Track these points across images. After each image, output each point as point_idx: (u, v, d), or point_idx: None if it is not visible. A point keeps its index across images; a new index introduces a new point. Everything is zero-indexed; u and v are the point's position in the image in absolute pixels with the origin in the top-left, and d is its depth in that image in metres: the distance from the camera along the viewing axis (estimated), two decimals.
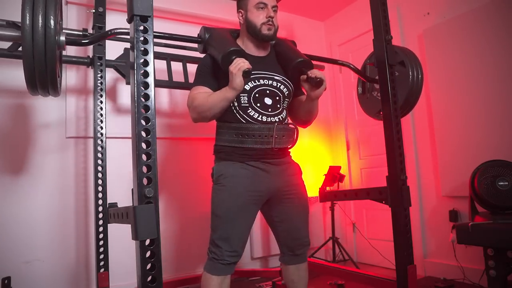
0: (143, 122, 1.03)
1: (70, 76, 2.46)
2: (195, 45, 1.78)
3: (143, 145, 1.01)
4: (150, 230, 0.98)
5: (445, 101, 2.58)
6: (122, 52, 2.22)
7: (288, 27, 3.49)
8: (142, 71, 1.04)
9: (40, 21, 1.09)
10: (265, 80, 1.57)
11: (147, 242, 0.99)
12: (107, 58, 2.14)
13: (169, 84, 2.28)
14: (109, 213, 1.32)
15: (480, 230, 1.83)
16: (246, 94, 1.52)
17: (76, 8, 2.52)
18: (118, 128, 2.47)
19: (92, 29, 2.14)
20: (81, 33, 1.95)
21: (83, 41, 1.39)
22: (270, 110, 1.54)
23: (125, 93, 2.62)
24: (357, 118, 3.40)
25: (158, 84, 2.22)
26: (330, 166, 2.82)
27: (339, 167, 2.90)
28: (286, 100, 1.63)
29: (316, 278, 2.70)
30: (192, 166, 2.79)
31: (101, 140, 2.12)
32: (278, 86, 1.59)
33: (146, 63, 1.05)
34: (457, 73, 2.50)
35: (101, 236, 2.03)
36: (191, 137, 2.84)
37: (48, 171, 2.33)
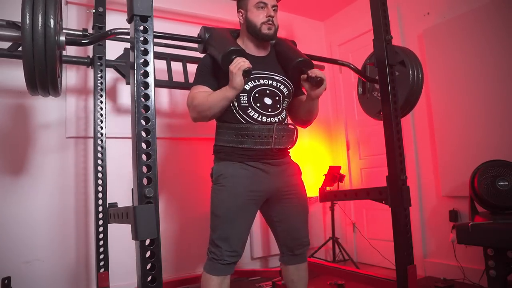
0: (143, 122, 1.03)
1: (70, 76, 2.46)
2: (195, 45, 1.78)
3: (143, 145, 1.01)
4: (150, 230, 0.98)
5: (445, 101, 2.58)
6: (122, 52, 2.22)
7: (288, 27, 3.49)
8: (142, 71, 1.04)
9: (40, 21, 1.09)
10: (265, 80, 1.57)
11: (147, 242, 0.99)
12: (107, 58, 2.14)
13: (169, 84, 2.27)
14: (109, 213, 1.32)
15: (480, 230, 1.83)
16: (246, 94, 1.52)
17: (76, 8, 2.52)
18: (118, 128, 2.47)
19: (92, 29, 2.14)
20: (81, 33, 1.95)
21: (83, 41, 1.39)
22: (270, 110, 1.54)
23: (125, 93, 2.62)
24: (357, 118, 3.40)
25: (158, 84, 2.22)
26: (330, 166, 2.82)
27: (339, 167, 2.90)
28: (286, 100, 1.63)
29: (316, 278, 2.70)
30: (192, 166, 2.79)
31: (101, 140, 2.12)
32: (278, 86, 1.59)
33: (146, 63, 1.05)
34: (457, 73, 2.50)
35: (101, 236, 2.03)
36: (191, 137, 2.84)
37: (48, 171, 2.33)
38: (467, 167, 2.21)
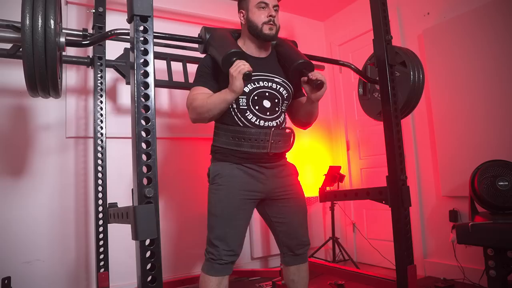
0: (143, 122, 1.03)
1: (70, 76, 2.46)
2: (195, 45, 1.78)
3: (143, 145, 1.01)
4: (150, 230, 0.98)
5: (445, 100, 2.58)
6: (122, 52, 2.22)
7: (288, 27, 3.49)
8: (142, 71, 1.04)
9: (40, 22, 1.09)
10: (264, 82, 1.57)
11: (147, 242, 0.99)
12: (107, 58, 2.14)
13: (169, 84, 2.27)
14: (109, 213, 1.32)
15: (480, 230, 1.83)
16: (245, 96, 1.52)
17: (76, 8, 2.52)
18: (118, 128, 2.47)
19: (92, 29, 2.14)
20: (81, 33, 1.95)
21: (83, 43, 1.38)
22: (268, 114, 1.55)
23: (125, 93, 2.62)
24: (357, 118, 3.40)
25: (158, 84, 2.22)
26: (330, 166, 2.81)
27: (339, 167, 2.90)
28: (285, 103, 1.64)
29: (316, 278, 2.70)
30: (192, 166, 2.79)
31: (101, 140, 2.12)
32: (277, 88, 1.59)
33: (146, 63, 1.05)
34: (457, 73, 2.50)
35: (101, 236, 2.02)
36: (191, 137, 2.84)
37: (48, 171, 2.33)
38: (467, 167, 2.21)
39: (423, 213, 2.76)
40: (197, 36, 1.69)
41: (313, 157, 3.42)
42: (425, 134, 2.77)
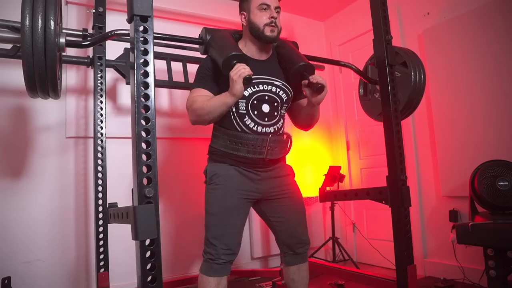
0: (143, 122, 1.03)
1: (70, 76, 2.46)
2: (196, 45, 1.78)
3: (143, 145, 1.01)
4: (150, 230, 0.98)
5: (445, 100, 2.58)
6: (122, 52, 2.22)
7: (288, 27, 3.49)
8: (142, 71, 1.04)
9: (40, 23, 1.09)
10: (264, 86, 1.57)
11: (147, 242, 0.99)
12: (107, 58, 2.14)
13: (169, 84, 2.27)
14: (109, 213, 1.32)
15: (480, 230, 1.83)
16: (245, 100, 1.53)
17: (76, 8, 2.52)
18: (118, 128, 2.47)
19: (92, 29, 2.14)
20: (81, 33, 1.95)
21: (83, 43, 1.38)
22: (266, 119, 1.55)
23: (125, 93, 2.62)
24: (357, 118, 3.40)
25: (158, 84, 2.22)
26: (330, 166, 2.82)
27: (339, 167, 2.90)
28: (285, 106, 1.64)
29: (316, 278, 2.70)
30: (192, 166, 2.79)
31: (101, 140, 2.12)
32: (277, 92, 1.59)
33: (146, 63, 1.05)
34: (457, 73, 2.50)
35: (101, 236, 2.03)
36: (191, 137, 2.84)
37: (48, 171, 2.33)
38: (467, 167, 2.21)
39: (423, 213, 2.76)
40: (197, 36, 1.69)
41: (313, 157, 3.42)
42: (425, 134, 2.77)
